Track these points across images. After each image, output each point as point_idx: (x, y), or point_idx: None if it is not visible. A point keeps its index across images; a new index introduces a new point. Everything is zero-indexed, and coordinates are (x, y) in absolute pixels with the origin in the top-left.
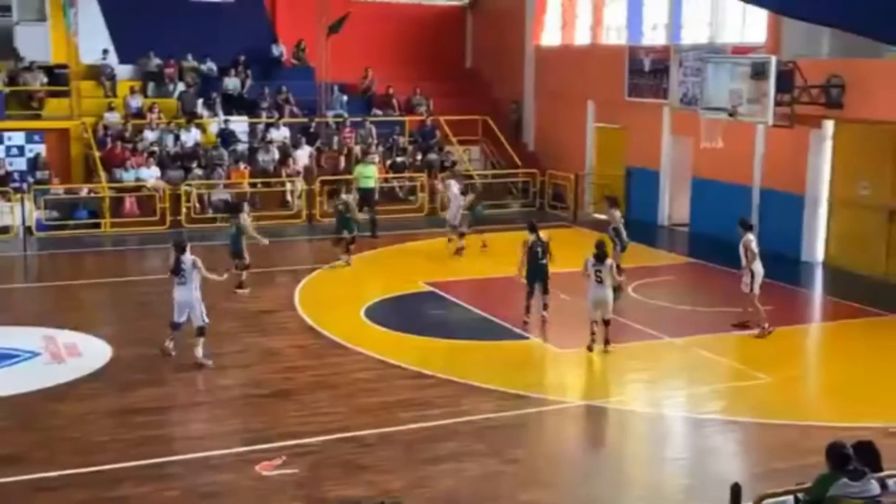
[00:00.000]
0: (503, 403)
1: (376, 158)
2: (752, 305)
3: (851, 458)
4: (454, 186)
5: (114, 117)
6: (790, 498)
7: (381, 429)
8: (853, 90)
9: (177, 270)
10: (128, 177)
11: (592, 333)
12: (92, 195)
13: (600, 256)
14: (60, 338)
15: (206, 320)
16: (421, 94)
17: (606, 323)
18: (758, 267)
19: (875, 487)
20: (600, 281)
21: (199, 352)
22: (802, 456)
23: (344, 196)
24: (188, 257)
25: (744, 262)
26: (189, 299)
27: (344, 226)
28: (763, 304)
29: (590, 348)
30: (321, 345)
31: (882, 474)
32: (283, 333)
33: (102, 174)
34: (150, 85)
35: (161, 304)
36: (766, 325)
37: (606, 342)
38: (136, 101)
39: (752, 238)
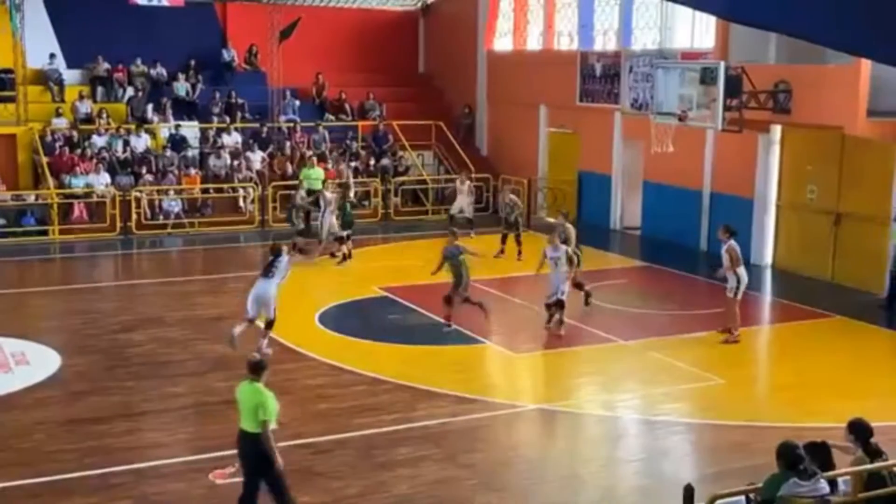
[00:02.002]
0: (458, 408)
1: (330, 164)
2: (731, 310)
3: (801, 457)
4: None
5: (62, 123)
6: (742, 498)
7: (335, 435)
8: (800, 95)
9: (268, 272)
10: (77, 183)
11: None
12: (40, 202)
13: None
14: (7, 346)
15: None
16: (374, 99)
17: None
18: (743, 272)
19: (824, 487)
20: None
21: (264, 343)
22: (754, 456)
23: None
24: (284, 258)
25: (726, 266)
26: (267, 294)
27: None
28: (714, 308)
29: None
30: (274, 351)
31: (830, 474)
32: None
33: (50, 180)
34: (99, 90)
35: (110, 312)
36: (737, 334)
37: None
38: (85, 107)
39: (735, 244)
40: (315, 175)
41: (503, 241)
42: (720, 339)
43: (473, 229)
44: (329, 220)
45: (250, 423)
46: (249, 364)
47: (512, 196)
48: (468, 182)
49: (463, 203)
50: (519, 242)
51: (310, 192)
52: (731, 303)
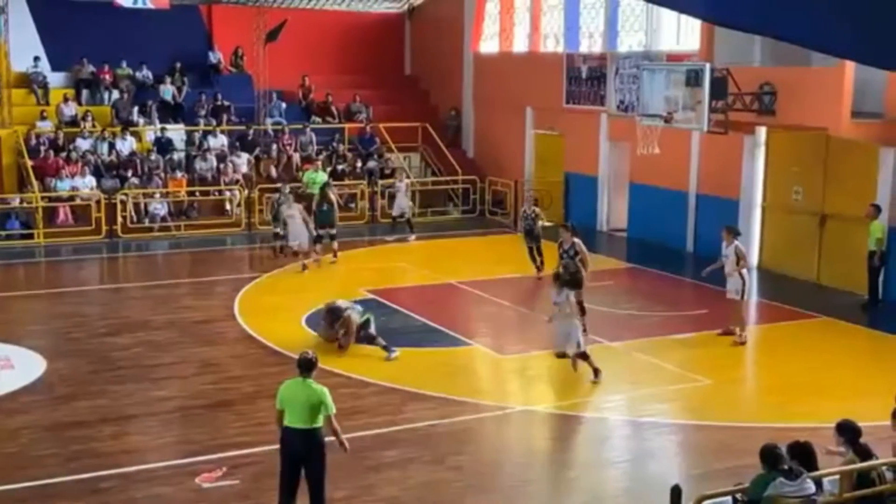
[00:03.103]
0: (446, 410)
1: (319, 165)
2: (736, 312)
3: (783, 457)
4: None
5: (46, 126)
6: (728, 499)
7: None
8: (784, 97)
9: None
10: (62, 186)
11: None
12: (24, 205)
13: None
14: None
15: None
16: (360, 102)
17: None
18: (747, 273)
19: (811, 487)
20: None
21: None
22: (740, 457)
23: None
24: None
25: (730, 268)
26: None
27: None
28: (700, 309)
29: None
30: (261, 354)
31: (817, 473)
32: (222, 343)
33: (35, 184)
34: (84, 92)
35: (96, 315)
36: (745, 335)
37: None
38: (70, 110)
39: (741, 244)
40: (319, 179)
41: (533, 258)
42: (728, 341)
43: (413, 233)
44: (303, 229)
45: (305, 419)
46: (303, 361)
47: (535, 207)
48: (405, 181)
49: (403, 204)
50: (540, 254)
51: (305, 197)
52: (735, 304)
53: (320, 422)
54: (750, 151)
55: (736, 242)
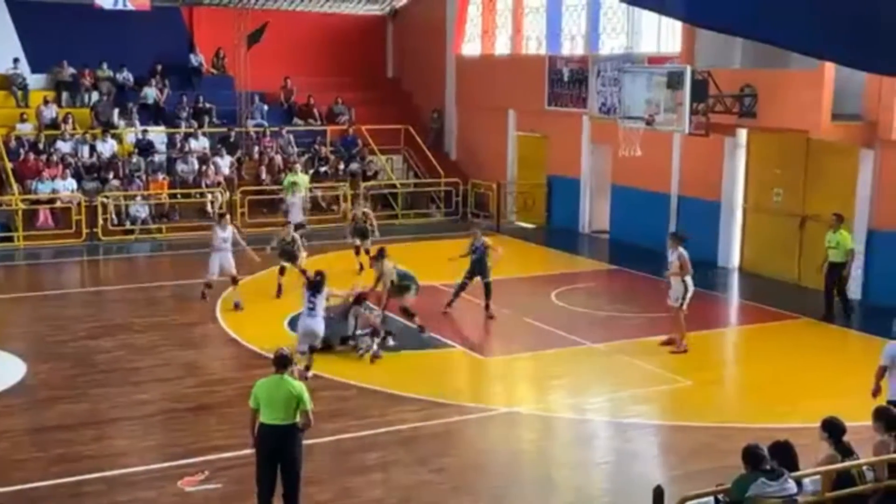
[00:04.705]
0: (428, 412)
1: (299, 168)
2: (677, 320)
3: (765, 457)
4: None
5: (26, 128)
6: (710, 499)
7: (306, 440)
8: (765, 99)
9: (312, 309)
10: (43, 188)
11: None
12: (4, 208)
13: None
14: None
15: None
16: (342, 104)
17: None
18: (690, 281)
19: (792, 487)
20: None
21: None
22: (722, 457)
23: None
24: (325, 291)
25: (673, 273)
26: (318, 330)
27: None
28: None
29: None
30: (244, 357)
31: (798, 473)
32: (204, 346)
33: (15, 186)
34: (64, 94)
35: (77, 318)
36: (684, 344)
37: None
38: (50, 112)
39: (685, 252)
40: (301, 182)
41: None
42: (668, 350)
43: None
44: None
45: (282, 415)
46: (278, 358)
47: (365, 209)
48: (300, 195)
49: (298, 215)
50: (368, 253)
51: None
52: (676, 312)
53: (297, 417)
54: (731, 153)
55: (680, 249)
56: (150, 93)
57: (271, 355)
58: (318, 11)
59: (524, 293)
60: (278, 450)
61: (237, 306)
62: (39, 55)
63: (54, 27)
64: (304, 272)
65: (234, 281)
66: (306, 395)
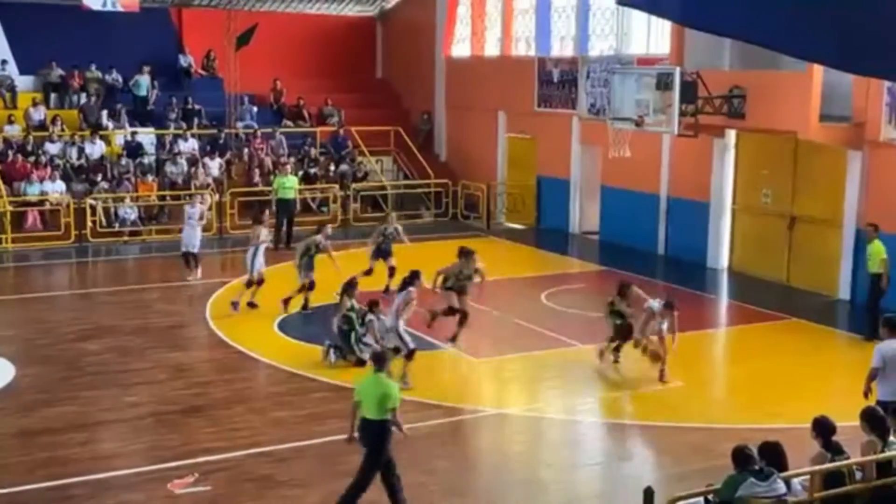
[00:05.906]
0: (420, 414)
1: (289, 169)
2: (657, 351)
3: (753, 458)
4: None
5: (14, 130)
6: (700, 500)
7: (295, 443)
8: (754, 100)
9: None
10: (31, 190)
11: None
12: None
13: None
14: None
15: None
16: (332, 105)
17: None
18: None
19: (781, 487)
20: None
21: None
22: (712, 458)
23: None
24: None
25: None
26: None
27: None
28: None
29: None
30: (233, 359)
31: (787, 473)
32: (193, 348)
33: (3, 188)
34: (53, 96)
35: (65, 321)
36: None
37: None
38: (39, 113)
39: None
40: (289, 184)
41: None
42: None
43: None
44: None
45: (374, 412)
46: (375, 356)
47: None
48: (201, 206)
49: (195, 237)
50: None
51: (280, 202)
52: (648, 342)
53: (387, 414)
54: (720, 154)
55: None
56: (143, 81)
57: (260, 357)
58: (307, 13)
59: (514, 294)
60: (365, 443)
61: (252, 306)
62: (28, 57)
63: (42, 29)
64: (392, 269)
65: (260, 282)
66: (396, 394)
